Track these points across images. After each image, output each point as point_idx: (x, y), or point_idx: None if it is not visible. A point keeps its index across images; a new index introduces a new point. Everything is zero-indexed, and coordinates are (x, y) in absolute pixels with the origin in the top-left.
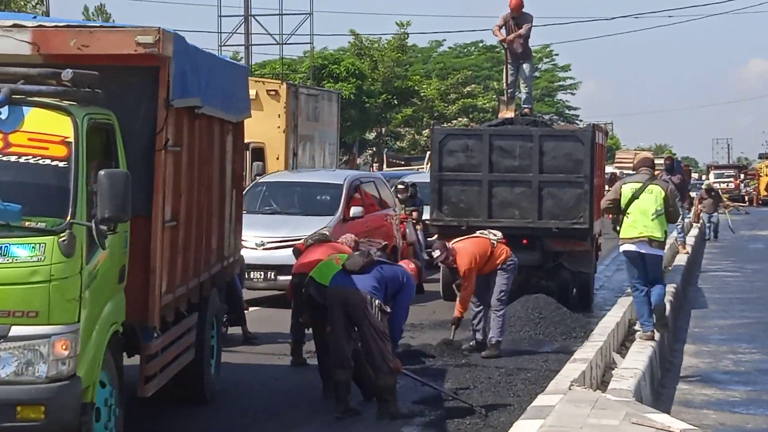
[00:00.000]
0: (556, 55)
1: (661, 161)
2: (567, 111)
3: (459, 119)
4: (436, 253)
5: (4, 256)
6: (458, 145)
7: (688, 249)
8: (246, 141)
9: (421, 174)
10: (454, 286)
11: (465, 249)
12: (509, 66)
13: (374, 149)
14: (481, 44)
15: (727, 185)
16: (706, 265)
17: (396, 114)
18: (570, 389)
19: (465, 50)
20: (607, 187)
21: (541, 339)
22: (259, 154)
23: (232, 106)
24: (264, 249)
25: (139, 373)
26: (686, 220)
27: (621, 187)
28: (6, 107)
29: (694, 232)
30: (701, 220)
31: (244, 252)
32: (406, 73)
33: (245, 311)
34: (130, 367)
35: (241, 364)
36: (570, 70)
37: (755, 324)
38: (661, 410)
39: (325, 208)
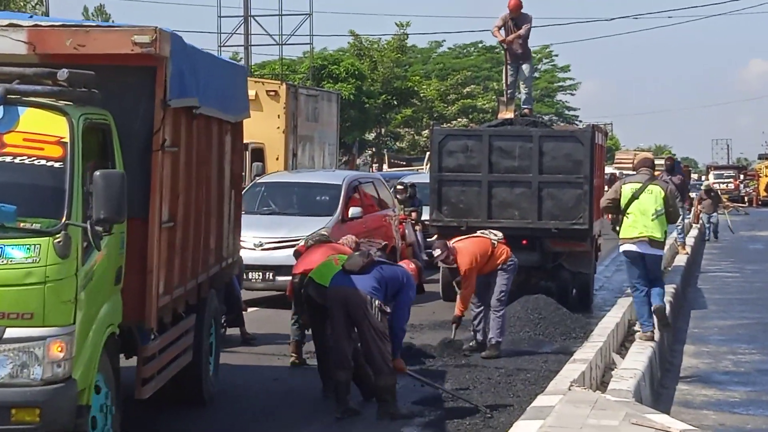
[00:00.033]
0: (556, 55)
1: (661, 162)
2: (567, 111)
3: (458, 120)
4: (437, 252)
5: None
6: (458, 145)
7: (688, 249)
8: (245, 141)
9: (421, 174)
10: (454, 283)
11: (466, 249)
12: (509, 66)
13: (374, 150)
14: (480, 45)
15: (727, 186)
16: (705, 265)
17: (395, 114)
18: (570, 390)
19: (464, 51)
20: (606, 188)
21: (541, 339)
22: (258, 154)
23: (230, 106)
24: (262, 249)
25: (136, 375)
26: (686, 221)
27: (621, 187)
28: (1, 107)
29: (694, 232)
30: (701, 221)
31: (242, 252)
32: (405, 74)
33: (243, 312)
34: (128, 369)
35: (241, 365)
36: (569, 70)
37: (755, 325)
38: (661, 411)
39: (323, 208)
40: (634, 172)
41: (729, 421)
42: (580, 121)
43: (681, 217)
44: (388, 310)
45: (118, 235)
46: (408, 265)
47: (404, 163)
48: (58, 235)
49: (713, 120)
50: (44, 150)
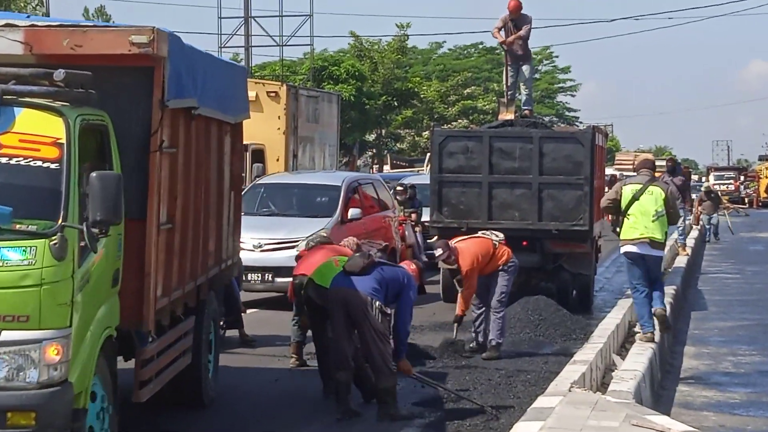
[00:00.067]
0: (556, 56)
1: (662, 163)
2: (567, 113)
3: (459, 121)
4: (438, 252)
5: None
6: (458, 146)
7: (688, 251)
8: (246, 142)
9: (421, 176)
10: (455, 281)
11: (467, 249)
12: (509, 68)
13: (374, 151)
14: (481, 46)
15: (727, 187)
16: (706, 267)
17: (396, 116)
18: (570, 391)
19: (465, 52)
20: (607, 189)
21: (541, 341)
22: (259, 155)
23: (230, 106)
24: (261, 251)
25: (134, 378)
26: (687, 222)
27: (621, 188)
28: None
29: (694, 234)
30: (701, 222)
31: (241, 253)
32: (406, 75)
33: (242, 314)
34: (126, 371)
35: (241, 366)
36: (570, 71)
37: (755, 326)
38: (661, 412)
39: (323, 209)
40: (635, 174)
41: (729, 423)
42: (581, 123)
43: (682, 219)
44: (389, 311)
45: (116, 237)
46: (409, 266)
47: (406, 164)
48: (54, 237)
49: (713, 121)
50: (40, 151)
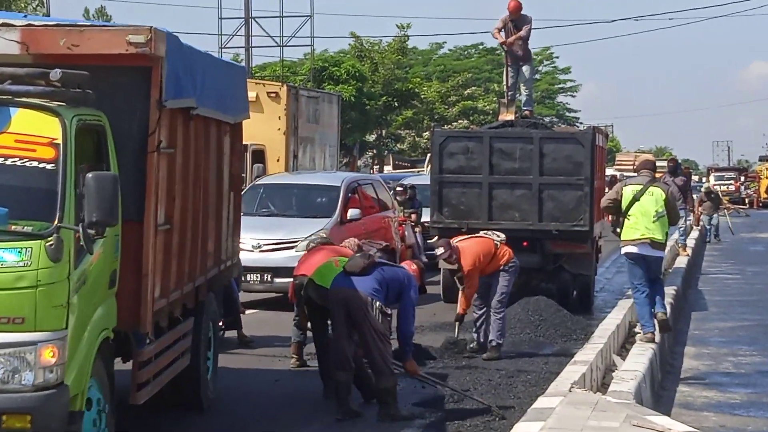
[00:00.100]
0: (557, 57)
1: (663, 163)
2: (567, 113)
3: (459, 121)
4: (440, 251)
5: None
6: (458, 147)
7: (689, 251)
8: (246, 143)
9: (420, 176)
10: (455, 278)
11: (469, 248)
12: (509, 68)
13: (375, 151)
14: (481, 46)
15: (728, 188)
16: (706, 267)
17: (396, 116)
18: (570, 391)
19: (465, 52)
20: (607, 189)
21: (542, 341)
22: (259, 156)
23: (229, 106)
24: (260, 251)
25: (131, 380)
26: (688, 223)
27: (622, 189)
28: None
29: (695, 234)
30: (701, 223)
31: (240, 254)
32: (406, 76)
33: (241, 314)
34: (124, 373)
35: (242, 366)
36: (570, 72)
37: (755, 326)
38: (662, 412)
39: (322, 210)
40: (635, 174)
41: (729, 423)
42: (581, 123)
43: (684, 219)
44: (389, 311)
45: (113, 238)
46: (409, 266)
47: (409, 164)
48: (50, 239)
49: (714, 122)
50: (36, 151)
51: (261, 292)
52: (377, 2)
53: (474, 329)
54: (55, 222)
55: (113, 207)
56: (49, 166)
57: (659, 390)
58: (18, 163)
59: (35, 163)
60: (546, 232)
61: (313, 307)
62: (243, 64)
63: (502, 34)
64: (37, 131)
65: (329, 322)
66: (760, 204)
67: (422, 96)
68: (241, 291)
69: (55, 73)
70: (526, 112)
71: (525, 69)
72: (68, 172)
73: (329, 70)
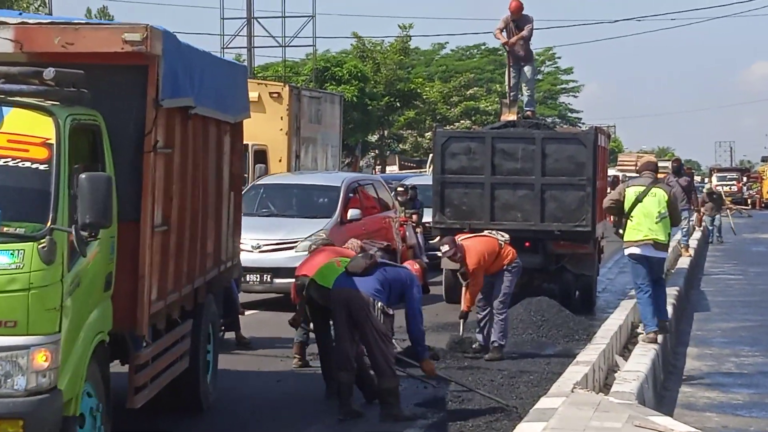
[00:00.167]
0: (559, 58)
1: (666, 164)
2: (569, 114)
3: (461, 122)
4: (445, 248)
5: None
6: (460, 147)
7: (691, 252)
8: (248, 143)
9: (422, 176)
10: (458, 273)
11: (474, 247)
12: (511, 69)
13: (377, 152)
14: (483, 47)
15: (730, 188)
16: (708, 268)
17: (398, 116)
18: (572, 392)
19: (467, 53)
20: (609, 190)
21: (544, 342)
22: (261, 156)
23: (229, 106)
24: (260, 252)
25: (128, 384)
26: (690, 223)
27: (625, 190)
28: None
29: (697, 235)
30: (703, 224)
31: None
32: (408, 76)
33: (240, 315)
34: (123, 375)
35: (244, 366)
36: (573, 72)
37: (758, 327)
38: (664, 413)
39: (322, 210)
40: (637, 175)
41: (732, 424)
42: (583, 124)
43: (687, 219)
44: (391, 312)
45: (108, 240)
46: (412, 266)
47: (414, 165)
48: (42, 240)
49: (716, 122)
50: (29, 152)
51: (261, 293)
52: (379, 3)
53: (477, 330)
54: (48, 223)
55: (107, 208)
56: (42, 167)
57: (662, 390)
58: (10, 163)
59: (28, 164)
60: (548, 233)
61: (315, 307)
62: (245, 64)
63: (504, 34)
64: (30, 131)
65: (331, 322)
66: (763, 204)
67: (424, 96)
68: (240, 291)
69: (49, 72)
70: (528, 113)
71: (527, 69)
72: (62, 173)
73: (331, 70)
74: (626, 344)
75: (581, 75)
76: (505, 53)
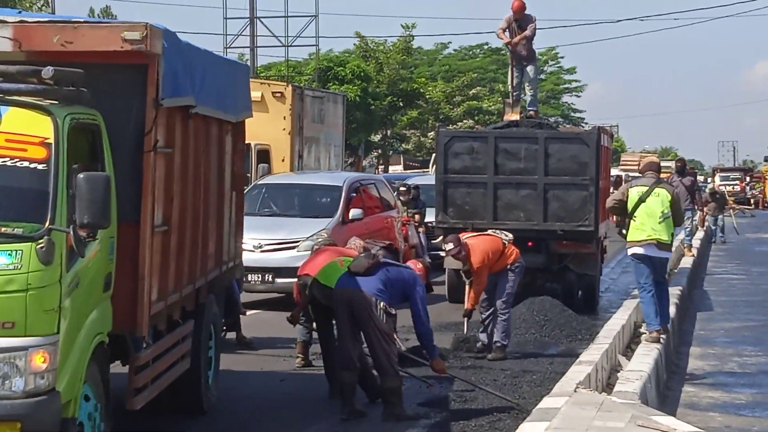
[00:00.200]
0: (562, 57)
1: (669, 164)
2: (572, 113)
3: (464, 121)
4: (450, 246)
5: None
6: (463, 147)
7: (694, 252)
8: (251, 143)
9: (424, 176)
10: (461, 271)
11: (479, 246)
12: (514, 68)
13: (380, 151)
14: (486, 46)
15: (733, 188)
16: (711, 267)
17: (401, 116)
18: (575, 391)
19: (470, 52)
20: (612, 190)
21: (547, 341)
22: (264, 156)
23: (230, 105)
24: (262, 251)
25: (127, 385)
26: (693, 223)
27: (628, 190)
28: None
29: (700, 234)
30: (706, 224)
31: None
32: (411, 76)
33: (242, 315)
34: (124, 376)
35: (246, 366)
36: (575, 72)
37: (761, 327)
38: (667, 413)
39: (324, 210)
40: (640, 175)
41: (735, 423)
42: (586, 123)
43: (690, 219)
44: (393, 311)
45: (108, 240)
46: (415, 265)
47: (418, 165)
48: (41, 241)
49: (719, 122)
50: (27, 151)
51: (262, 293)
52: (382, 2)
53: (480, 329)
54: (47, 224)
55: (105, 208)
56: (40, 167)
57: (664, 390)
58: (8, 163)
59: (26, 163)
60: (551, 232)
61: (318, 307)
62: (248, 63)
63: (507, 34)
64: (28, 130)
65: (334, 322)
66: (766, 204)
67: (427, 96)
68: (242, 291)
69: (48, 71)
70: (531, 112)
71: (530, 69)
72: (60, 173)
73: (334, 70)
74: (629, 344)
75: (584, 75)
76: (508, 53)
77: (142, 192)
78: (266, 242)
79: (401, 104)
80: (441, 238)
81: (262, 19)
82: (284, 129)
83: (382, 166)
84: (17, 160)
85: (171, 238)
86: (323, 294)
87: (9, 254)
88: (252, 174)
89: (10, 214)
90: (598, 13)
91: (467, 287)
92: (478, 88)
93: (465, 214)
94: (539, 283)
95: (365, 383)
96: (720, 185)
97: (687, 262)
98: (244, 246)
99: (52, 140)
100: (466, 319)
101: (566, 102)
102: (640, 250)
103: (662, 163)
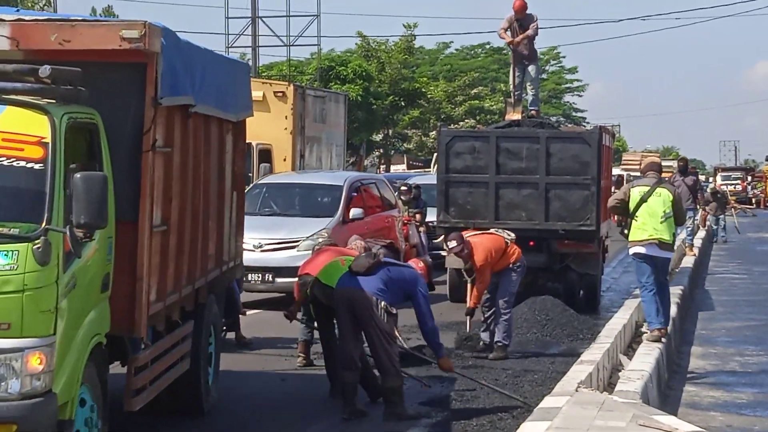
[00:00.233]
0: (563, 57)
1: (671, 163)
2: (574, 113)
3: (466, 121)
4: (453, 244)
5: None
6: (465, 146)
7: (695, 251)
8: (253, 142)
9: (425, 176)
10: (464, 270)
11: (482, 244)
12: (515, 68)
13: (381, 151)
14: (488, 46)
15: (734, 187)
16: (713, 267)
17: (403, 116)
18: (577, 391)
19: (472, 52)
20: (613, 189)
21: (548, 341)
22: (266, 155)
23: (230, 104)
24: (262, 251)
25: (126, 386)
26: (695, 222)
27: (629, 190)
28: None
29: (702, 234)
30: (707, 223)
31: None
32: (413, 75)
33: (242, 315)
34: (122, 377)
35: (246, 366)
36: (577, 72)
37: (762, 326)
38: (668, 412)
39: (324, 209)
40: (641, 175)
41: (736, 423)
42: (588, 123)
43: (692, 219)
44: (394, 311)
45: (105, 240)
46: (417, 265)
47: (422, 164)
48: (37, 241)
49: (720, 121)
50: (24, 151)
51: (262, 292)
52: (384, 2)
53: (482, 328)
54: (43, 224)
55: (102, 208)
56: (37, 166)
57: (666, 390)
58: (5, 162)
59: (23, 163)
60: (552, 232)
61: (319, 306)
62: (249, 63)
63: (509, 33)
64: (25, 130)
65: (335, 321)
66: (767, 204)
67: (429, 95)
68: (242, 291)
69: (45, 70)
70: (533, 112)
71: (531, 69)
72: (57, 172)
73: (336, 69)
74: (630, 343)
75: (585, 74)
76: (510, 53)
77: (141, 192)
78: (266, 242)
79: (403, 104)
80: (443, 237)
81: (263, 19)
82: (286, 128)
83: (384, 166)
84: (14, 159)
85: (170, 238)
86: (324, 293)
87: (5, 255)
88: (254, 174)
89: (7, 214)
90: (600, 12)
91: (469, 285)
92: (479, 87)
93: (466, 213)
94: (541, 282)
95: (366, 383)
96: (721, 185)
97: (688, 261)
98: (244, 245)
99: (49, 140)
100: (468, 317)
101: (568, 101)
102: (641, 250)
103: (664, 163)
